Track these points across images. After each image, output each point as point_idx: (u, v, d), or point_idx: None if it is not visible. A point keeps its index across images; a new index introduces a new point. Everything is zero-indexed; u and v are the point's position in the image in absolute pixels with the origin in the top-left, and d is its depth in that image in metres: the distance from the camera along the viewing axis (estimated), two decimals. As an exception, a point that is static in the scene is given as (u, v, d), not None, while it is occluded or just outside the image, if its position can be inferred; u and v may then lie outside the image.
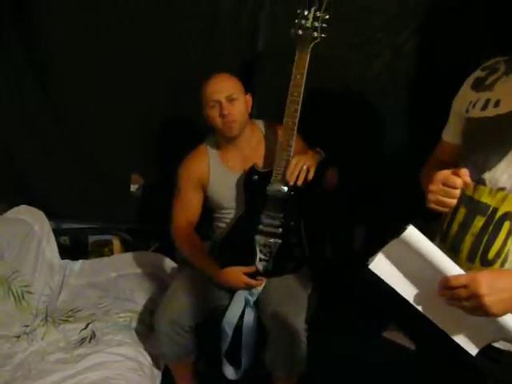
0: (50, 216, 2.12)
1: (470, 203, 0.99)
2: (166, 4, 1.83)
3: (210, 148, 1.68)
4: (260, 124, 1.72)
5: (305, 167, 1.47)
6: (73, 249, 2.33)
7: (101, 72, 1.95)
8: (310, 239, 1.59)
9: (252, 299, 1.59)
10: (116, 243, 2.25)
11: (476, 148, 1.01)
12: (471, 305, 0.87)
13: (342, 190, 1.64)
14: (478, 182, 0.98)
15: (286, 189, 1.51)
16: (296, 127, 1.47)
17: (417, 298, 0.97)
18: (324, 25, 1.43)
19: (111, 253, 2.26)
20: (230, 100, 1.52)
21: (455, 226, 1.02)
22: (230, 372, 1.64)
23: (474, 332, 0.95)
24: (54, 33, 1.90)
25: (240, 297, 1.59)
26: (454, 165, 1.06)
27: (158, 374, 1.62)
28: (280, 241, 1.56)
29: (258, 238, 1.56)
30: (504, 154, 0.95)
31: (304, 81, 1.45)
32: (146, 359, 1.57)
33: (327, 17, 1.42)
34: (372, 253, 2.21)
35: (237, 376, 1.64)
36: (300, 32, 1.44)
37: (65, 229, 2.27)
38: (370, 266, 0.98)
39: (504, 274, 0.91)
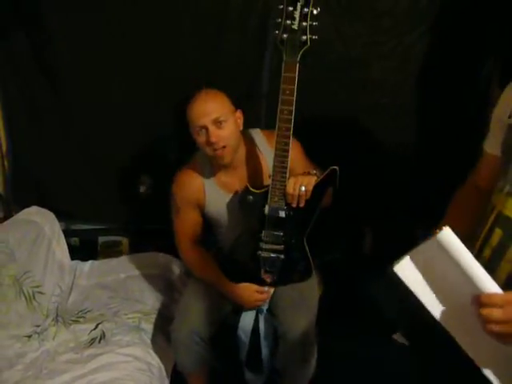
0: (60, 217, 2.14)
1: (507, 224, 0.85)
2: (175, 5, 1.83)
3: (202, 168, 1.56)
4: (254, 134, 1.59)
5: (303, 189, 1.35)
6: (82, 250, 2.34)
7: (109, 73, 1.96)
8: (315, 247, 1.56)
9: (263, 307, 1.59)
10: (125, 244, 2.26)
11: None
12: (503, 330, 0.74)
13: (349, 192, 1.63)
14: None
15: (284, 209, 1.42)
16: (290, 149, 1.33)
17: (441, 311, 0.83)
18: (314, 23, 1.18)
19: (120, 254, 2.27)
20: (218, 123, 1.38)
21: (487, 251, 0.88)
22: (252, 379, 1.65)
23: (503, 363, 0.81)
24: (63, 33, 1.91)
25: (248, 311, 1.60)
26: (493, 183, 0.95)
27: (166, 375, 1.62)
28: (283, 256, 1.51)
29: (259, 254, 1.51)
30: None
31: (295, 97, 1.26)
32: (155, 360, 1.58)
33: (316, 12, 1.17)
34: (380, 255, 2.21)
35: (260, 382, 1.65)
36: (285, 36, 1.19)
37: (74, 230, 2.29)
38: (394, 269, 0.84)
39: None
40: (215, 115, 1.38)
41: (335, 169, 1.39)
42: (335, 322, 1.80)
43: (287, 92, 1.26)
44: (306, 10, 1.17)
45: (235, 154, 1.48)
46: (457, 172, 1.86)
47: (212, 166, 1.56)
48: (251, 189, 1.46)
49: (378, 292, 0.98)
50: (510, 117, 0.94)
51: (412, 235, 2.18)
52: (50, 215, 2.07)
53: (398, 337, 2.07)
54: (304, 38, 1.19)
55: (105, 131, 2.06)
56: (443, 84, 1.83)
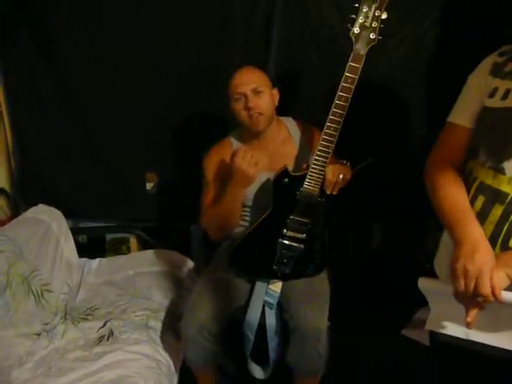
0: (68, 215, 2.15)
1: (489, 192, 1.00)
2: (179, 2, 1.82)
3: (234, 142, 1.65)
4: (287, 122, 1.67)
5: (341, 176, 1.42)
6: (90, 247, 2.37)
7: (115, 71, 1.96)
8: (332, 242, 1.56)
9: (272, 301, 1.58)
10: (133, 241, 2.27)
11: (495, 137, 1.01)
12: None
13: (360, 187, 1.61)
14: (497, 170, 0.98)
15: (317, 195, 1.45)
16: (338, 134, 1.39)
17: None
18: (381, 25, 1.31)
19: (128, 251, 2.29)
20: (256, 93, 1.50)
21: None
22: (258, 372, 1.64)
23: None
24: (69, 32, 1.92)
25: (257, 299, 1.58)
26: (464, 154, 1.08)
27: (175, 372, 1.62)
28: (303, 246, 1.52)
29: (280, 241, 1.51)
30: None
31: (354, 87, 1.35)
32: (163, 357, 1.58)
33: (384, 17, 1.30)
34: (389, 250, 2.18)
35: (266, 375, 1.65)
36: (357, 31, 1.31)
37: (82, 227, 2.29)
38: (419, 284, 1.04)
39: None
40: (254, 85, 1.50)
41: (372, 160, 1.45)
42: (344, 317, 1.79)
43: (349, 80, 1.34)
44: (377, 12, 1.29)
45: (268, 127, 1.55)
46: None
47: (243, 141, 1.63)
48: (290, 171, 1.47)
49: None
50: (488, 97, 1.04)
51: (422, 231, 2.17)
52: (58, 213, 2.07)
53: (406, 332, 2.07)
54: (373, 36, 1.31)
55: (111, 129, 2.07)
56: (453, 76, 1.80)
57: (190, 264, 2.12)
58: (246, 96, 1.49)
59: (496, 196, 0.98)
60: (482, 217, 1.00)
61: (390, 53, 1.80)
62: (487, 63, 1.08)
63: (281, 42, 1.85)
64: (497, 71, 1.05)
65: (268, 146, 1.59)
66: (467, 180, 1.07)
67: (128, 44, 1.91)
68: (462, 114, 1.12)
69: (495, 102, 1.02)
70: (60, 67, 1.99)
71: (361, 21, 1.29)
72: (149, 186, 2.11)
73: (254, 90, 1.49)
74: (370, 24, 1.29)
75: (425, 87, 1.84)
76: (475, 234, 0.95)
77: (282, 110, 1.63)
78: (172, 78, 1.94)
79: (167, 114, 2.00)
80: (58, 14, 1.90)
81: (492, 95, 1.03)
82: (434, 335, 1.14)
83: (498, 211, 0.98)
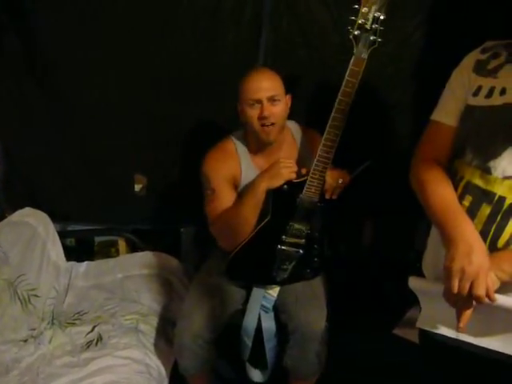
0: (55, 218, 2.11)
1: (476, 191, 0.98)
2: (167, 2, 1.79)
3: (238, 146, 1.56)
4: (291, 125, 1.63)
5: (340, 181, 1.42)
6: (79, 250, 2.33)
7: (102, 71, 1.91)
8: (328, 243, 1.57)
9: (269, 305, 1.56)
10: (122, 244, 2.23)
11: (481, 136, 1.00)
12: None
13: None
14: (484, 170, 0.98)
15: (317, 201, 1.43)
16: (338, 140, 1.36)
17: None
18: (381, 28, 1.26)
19: (118, 253, 2.25)
20: (272, 101, 1.42)
21: None
22: (257, 375, 1.63)
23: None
24: (56, 32, 1.86)
25: (254, 305, 1.56)
26: (449, 153, 1.07)
27: (165, 376, 1.60)
28: (301, 251, 1.51)
29: (280, 248, 1.49)
30: (511, 143, 0.94)
31: (355, 91, 1.31)
32: (154, 362, 1.56)
33: (383, 17, 1.25)
34: (380, 247, 2.17)
35: (264, 378, 1.63)
36: (358, 33, 1.26)
37: (70, 231, 2.24)
38: (409, 283, 1.06)
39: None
40: (272, 93, 1.42)
41: (370, 164, 1.45)
42: (336, 317, 1.78)
43: (350, 85, 1.30)
44: (377, 13, 1.24)
45: (278, 136, 1.49)
46: None
47: (248, 146, 1.56)
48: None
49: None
50: (472, 96, 1.03)
51: (414, 228, 2.17)
52: (44, 216, 2.03)
53: (398, 331, 2.07)
54: (373, 38, 1.26)
55: (99, 130, 2.02)
56: (441, 75, 1.80)
57: (180, 266, 2.09)
58: (261, 103, 1.41)
59: (483, 196, 0.97)
60: (469, 216, 0.98)
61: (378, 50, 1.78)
62: (470, 60, 1.08)
63: (270, 42, 1.82)
64: (480, 69, 1.04)
65: (274, 153, 1.54)
66: (454, 179, 1.06)
67: (116, 44, 1.86)
68: (446, 112, 1.10)
69: (479, 101, 1.01)
70: (46, 67, 1.94)
71: (360, 22, 1.24)
72: (137, 187, 2.08)
73: (271, 98, 1.42)
74: (371, 26, 1.25)
75: (414, 86, 1.83)
76: (470, 234, 0.93)
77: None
78: (161, 78, 1.91)
79: (156, 115, 1.96)
80: (45, 14, 1.84)
81: (476, 94, 1.02)
82: (424, 333, 1.13)
83: (485, 211, 0.97)
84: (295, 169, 1.42)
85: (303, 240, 1.49)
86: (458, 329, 0.94)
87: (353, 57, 1.29)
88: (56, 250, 2.03)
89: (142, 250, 2.17)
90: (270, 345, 1.57)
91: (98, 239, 2.33)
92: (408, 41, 1.78)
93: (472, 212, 0.99)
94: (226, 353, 1.63)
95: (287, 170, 1.40)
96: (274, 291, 1.58)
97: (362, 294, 2.10)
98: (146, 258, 2.10)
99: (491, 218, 0.96)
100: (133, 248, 2.24)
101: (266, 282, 1.56)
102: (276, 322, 1.57)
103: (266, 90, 1.41)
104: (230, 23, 1.80)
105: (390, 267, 2.10)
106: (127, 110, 1.96)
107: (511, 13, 1.58)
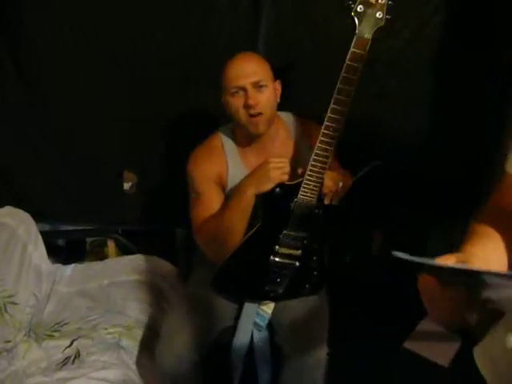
0: (40, 218, 1.95)
1: None
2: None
3: (226, 143, 1.40)
4: (287, 117, 1.44)
5: (340, 184, 1.22)
6: (70, 250, 2.20)
7: (89, 64, 1.76)
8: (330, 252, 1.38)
9: (262, 323, 1.39)
10: (111, 246, 2.07)
11: None
12: None
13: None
14: None
15: (314, 206, 1.25)
16: (338, 135, 1.18)
17: None
18: (389, 2, 1.07)
19: (106, 256, 2.09)
20: (258, 87, 1.25)
21: None
22: None
23: None
24: (37, 27, 1.72)
25: (246, 322, 1.39)
26: None
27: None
28: (298, 263, 1.32)
29: (272, 259, 1.31)
30: None
31: (358, 78, 1.12)
32: (135, 382, 1.39)
33: None
34: (389, 258, 1.98)
35: None
36: (360, 9, 1.07)
37: (56, 231, 2.11)
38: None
39: None
40: (257, 78, 1.25)
41: (377, 164, 1.26)
42: (343, 329, 1.62)
43: (351, 71, 1.11)
44: None
45: (268, 128, 1.31)
46: (471, 171, 1.73)
47: (237, 142, 1.39)
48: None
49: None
50: None
51: (423, 237, 2.00)
52: (26, 216, 1.87)
53: (408, 345, 1.89)
54: (380, 14, 1.07)
55: (86, 123, 1.86)
56: (458, 64, 1.62)
57: (175, 272, 1.92)
58: (245, 91, 1.25)
59: None
60: None
61: (392, 38, 1.60)
62: None
63: (270, 28, 1.64)
64: None
65: (266, 148, 1.36)
66: None
67: (101, 37, 1.71)
68: None
69: None
70: (29, 64, 1.79)
71: None
72: (126, 185, 1.92)
73: (256, 83, 1.25)
74: (376, 0, 1.06)
75: (432, 78, 1.65)
76: None
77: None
78: (151, 69, 1.74)
79: (147, 107, 1.80)
80: (27, 11, 1.71)
81: None
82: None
83: None
84: (288, 169, 1.24)
85: (299, 251, 1.30)
86: None
87: (354, 37, 1.10)
88: (39, 253, 1.88)
89: (133, 253, 2.01)
90: (263, 368, 1.40)
91: (88, 240, 2.20)
92: (424, 27, 1.59)
93: None
94: (213, 376, 1.45)
95: (278, 172, 1.22)
96: (269, 307, 1.41)
97: (372, 304, 1.92)
98: (136, 261, 1.94)
99: None
100: (123, 251, 2.09)
101: (258, 296, 1.39)
102: (271, 342, 1.40)
103: (250, 75, 1.24)
104: (226, 7, 1.63)
105: (400, 277, 1.94)
106: (115, 103, 1.80)
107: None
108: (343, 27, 1.55)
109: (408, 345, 1.88)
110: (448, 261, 0.72)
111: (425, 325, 1.88)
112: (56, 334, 1.57)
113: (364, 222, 1.77)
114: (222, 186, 1.38)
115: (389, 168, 1.66)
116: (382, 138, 1.71)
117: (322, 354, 1.28)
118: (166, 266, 1.94)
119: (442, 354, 1.80)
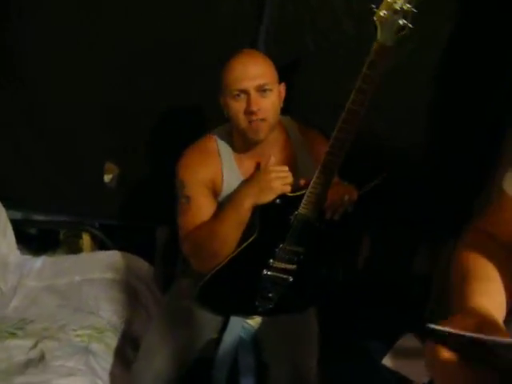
0: (16, 206, 1.87)
1: None
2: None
3: (221, 146, 1.30)
4: (286, 122, 1.35)
5: (346, 198, 1.15)
6: (42, 240, 2.07)
7: (70, 49, 1.65)
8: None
9: (246, 337, 1.31)
10: (86, 239, 1.96)
11: None
12: None
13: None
14: None
15: (315, 220, 1.17)
16: (347, 147, 1.10)
17: None
18: (414, 10, 0.97)
19: (81, 250, 1.98)
20: (262, 91, 1.16)
21: None
22: None
23: None
24: (21, 21, 1.62)
25: (230, 336, 1.30)
26: None
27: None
28: (292, 278, 1.25)
29: (266, 273, 1.24)
30: None
31: (374, 87, 1.04)
32: (103, 391, 1.29)
33: None
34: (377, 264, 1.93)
35: None
36: (384, 14, 0.97)
37: (29, 220, 1.98)
38: None
39: None
40: (262, 81, 1.15)
41: (384, 177, 1.19)
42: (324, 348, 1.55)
43: (368, 80, 1.02)
44: None
45: (269, 134, 1.21)
46: (464, 181, 1.69)
47: (233, 146, 1.30)
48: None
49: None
50: None
51: (412, 248, 1.96)
52: (-5, 203, 1.76)
53: (386, 361, 1.83)
54: (402, 22, 0.97)
55: (65, 112, 1.75)
56: (466, 73, 1.58)
57: (152, 272, 1.83)
58: (248, 95, 1.15)
59: None
60: None
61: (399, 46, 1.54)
62: None
63: (273, 22, 1.57)
64: None
65: (264, 154, 1.25)
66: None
67: (85, 25, 1.61)
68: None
69: None
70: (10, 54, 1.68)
71: (389, 0, 0.95)
72: (107, 177, 1.81)
73: (260, 87, 1.15)
74: (401, 6, 0.95)
75: (439, 88, 1.60)
76: None
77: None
78: (140, 57, 1.64)
79: (130, 95, 1.70)
80: (19, 14, 1.61)
81: None
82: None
83: None
84: (290, 180, 1.15)
85: (294, 266, 1.23)
86: None
87: (374, 43, 1.02)
88: (7, 243, 1.77)
89: (109, 248, 1.91)
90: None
91: (62, 232, 2.07)
92: (433, 36, 1.54)
93: None
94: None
95: (280, 182, 1.13)
96: (255, 321, 1.33)
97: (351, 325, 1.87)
98: (111, 258, 1.84)
99: None
100: (100, 246, 1.99)
101: (247, 312, 1.31)
102: (256, 358, 1.31)
103: (254, 78, 1.15)
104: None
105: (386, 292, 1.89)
106: (96, 88, 1.69)
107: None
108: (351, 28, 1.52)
109: (386, 361, 1.83)
110: (465, 322, 0.64)
111: (404, 341, 1.84)
112: (20, 333, 1.46)
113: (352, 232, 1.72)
114: (214, 192, 1.28)
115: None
116: (376, 149, 1.66)
117: (311, 375, 1.20)
118: (143, 266, 1.85)
119: (421, 372, 1.75)
